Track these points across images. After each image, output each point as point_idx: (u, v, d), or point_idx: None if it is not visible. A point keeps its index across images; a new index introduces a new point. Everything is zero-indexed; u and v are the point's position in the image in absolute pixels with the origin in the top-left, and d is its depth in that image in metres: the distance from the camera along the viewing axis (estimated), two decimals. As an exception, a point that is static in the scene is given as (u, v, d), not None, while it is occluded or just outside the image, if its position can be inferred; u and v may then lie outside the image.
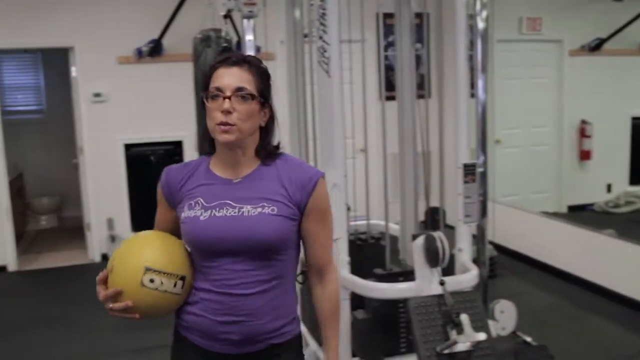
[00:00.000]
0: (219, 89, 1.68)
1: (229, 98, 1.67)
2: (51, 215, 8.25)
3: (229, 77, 1.69)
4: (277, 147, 1.84)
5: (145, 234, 1.83)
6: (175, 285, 1.71)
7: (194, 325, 1.76)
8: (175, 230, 1.83)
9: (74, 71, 6.15)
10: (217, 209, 1.72)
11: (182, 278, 1.73)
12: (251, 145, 1.77)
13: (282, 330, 1.81)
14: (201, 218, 1.71)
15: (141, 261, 1.70)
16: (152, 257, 1.71)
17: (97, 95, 6.12)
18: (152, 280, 1.68)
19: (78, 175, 6.47)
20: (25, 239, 7.44)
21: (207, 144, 1.82)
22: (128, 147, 6.29)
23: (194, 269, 1.78)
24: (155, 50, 6.04)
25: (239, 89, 1.68)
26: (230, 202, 1.72)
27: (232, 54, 1.76)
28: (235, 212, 1.70)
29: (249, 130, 1.72)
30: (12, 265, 6.15)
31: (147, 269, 1.68)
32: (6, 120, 6.54)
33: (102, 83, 6.13)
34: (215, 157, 1.80)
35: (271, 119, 1.80)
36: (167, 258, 1.73)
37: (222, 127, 1.68)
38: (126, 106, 6.17)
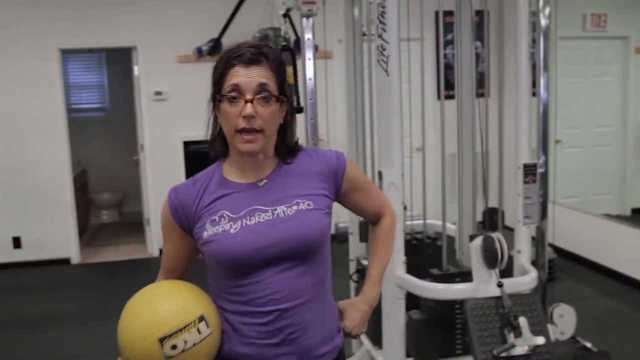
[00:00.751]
0: (237, 89, 1.50)
1: (252, 101, 1.49)
2: (112, 210, 8.50)
3: (249, 77, 1.50)
4: (297, 143, 1.68)
5: (131, 302, 1.53)
6: (200, 332, 1.46)
7: (241, 359, 1.56)
8: (190, 266, 1.67)
9: (136, 70, 6.31)
10: (248, 217, 1.54)
11: (201, 318, 1.48)
12: (271, 146, 1.61)
13: (334, 341, 1.68)
14: (232, 231, 1.52)
15: (149, 336, 1.42)
16: (157, 323, 1.44)
17: (158, 93, 6.26)
18: (174, 347, 1.42)
19: (139, 171, 6.64)
20: (88, 233, 7.68)
21: (219, 147, 1.63)
22: (187, 144, 6.42)
23: (216, 295, 1.60)
24: (214, 49, 6.14)
25: (261, 89, 1.50)
26: (261, 207, 1.55)
27: (245, 46, 1.54)
28: (269, 216, 1.55)
29: (273, 133, 1.57)
30: (75, 257, 6.36)
31: (161, 340, 1.42)
32: (71, 118, 6.77)
33: (163, 82, 6.27)
34: (230, 163, 1.62)
35: (288, 114, 1.63)
36: (171, 311, 1.47)
37: (246, 135, 1.50)
38: (185, 104, 6.30)
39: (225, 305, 1.58)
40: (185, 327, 1.43)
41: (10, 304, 5.20)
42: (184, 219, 1.59)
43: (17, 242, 6.19)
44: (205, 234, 1.54)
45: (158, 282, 1.64)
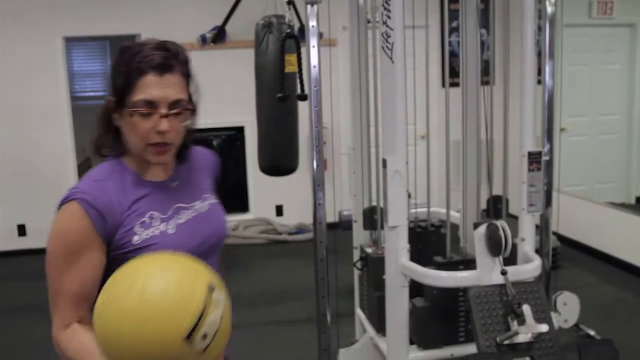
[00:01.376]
0: (151, 104, 1.40)
1: (166, 117, 1.42)
2: (117, 197, 8.50)
3: (163, 89, 1.41)
4: (189, 142, 1.63)
5: (116, 312, 1.10)
6: (217, 301, 1.18)
7: None
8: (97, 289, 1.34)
9: (139, 57, 6.30)
10: (176, 216, 1.50)
11: (211, 287, 1.17)
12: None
13: None
14: (169, 231, 1.46)
15: (172, 341, 1.08)
16: (171, 323, 1.08)
17: (162, 81, 6.25)
18: (205, 336, 1.13)
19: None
20: (93, 221, 7.68)
21: (116, 145, 1.50)
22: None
23: None
24: (218, 36, 6.13)
25: (176, 103, 1.44)
26: (182, 205, 1.53)
27: (152, 47, 1.45)
28: (193, 213, 1.53)
29: (180, 142, 1.52)
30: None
31: (188, 337, 1.10)
32: (75, 106, 6.77)
33: (167, 69, 6.26)
34: (133, 163, 1.51)
35: (194, 117, 1.58)
36: (179, 298, 1.10)
37: (158, 148, 1.44)
38: (189, 92, 6.29)
39: None
40: (203, 308, 1.12)
41: (15, 291, 5.23)
42: (108, 227, 1.40)
43: (22, 230, 6.22)
44: (136, 238, 1.41)
45: (126, 270, 1.19)
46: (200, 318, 1.11)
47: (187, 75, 1.52)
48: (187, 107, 1.48)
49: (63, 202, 1.41)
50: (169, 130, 1.42)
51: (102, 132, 1.49)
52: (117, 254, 1.41)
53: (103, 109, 1.48)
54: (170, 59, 1.45)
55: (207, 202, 1.58)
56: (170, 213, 1.49)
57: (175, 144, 1.48)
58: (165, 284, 1.12)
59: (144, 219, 1.44)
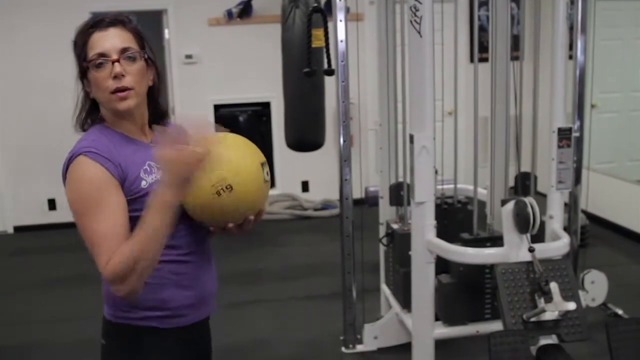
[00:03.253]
0: (102, 55, 1.51)
1: (118, 61, 1.51)
2: (144, 172, 8.59)
3: (110, 40, 1.52)
4: (167, 111, 1.73)
5: (227, 139, 1.60)
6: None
7: (186, 302, 1.64)
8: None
9: (166, 33, 6.32)
10: None
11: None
12: (145, 111, 1.63)
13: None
14: None
15: (255, 160, 1.56)
16: (256, 151, 1.59)
17: (189, 57, 6.27)
18: (268, 173, 1.59)
19: (170, 134, 6.69)
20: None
21: (93, 115, 1.61)
22: (217, 108, 6.44)
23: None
24: (244, 11, 6.10)
25: (125, 49, 1.53)
26: None
27: (99, 16, 1.56)
28: None
29: (144, 92, 1.59)
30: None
31: (262, 164, 1.57)
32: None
33: (194, 45, 6.27)
34: (113, 126, 1.60)
35: (156, 78, 1.65)
36: (255, 147, 1.60)
37: (120, 94, 1.52)
38: (216, 67, 6.30)
39: (163, 252, 1.50)
40: (265, 161, 1.59)
41: (46, 264, 5.34)
42: (118, 171, 1.50)
43: (52, 204, 6.32)
44: (143, 182, 1.53)
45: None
46: (265, 163, 1.58)
47: (136, 34, 1.58)
48: (137, 51, 1.54)
49: (70, 161, 1.50)
50: (122, 72, 1.50)
51: (81, 107, 1.60)
52: (129, 197, 1.51)
53: (79, 88, 1.59)
54: (115, 20, 1.56)
55: None
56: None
57: (137, 90, 1.54)
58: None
59: (145, 167, 1.55)
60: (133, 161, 1.53)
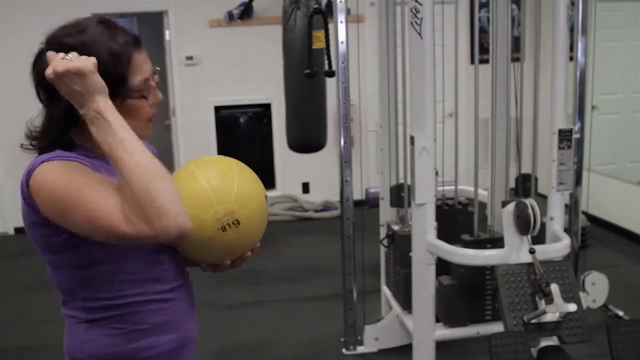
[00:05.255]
0: (148, 81, 1.31)
1: (157, 84, 1.35)
2: (145, 174, 8.58)
3: (149, 61, 1.33)
4: None
5: (230, 163, 1.39)
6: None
7: (166, 349, 1.38)
8: None
9: (167, 34, 6.32)
10: None
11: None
12: None
13: None
14: None
15: (261, 192, 1.39)
16: (260, 185, 1.41)
17: (189, 58, 6.27)
18: (268, 205, 1.46)
19: (170, 135, 6.69)
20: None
21: (53, 140, 1.28)
22: (218, 109, 6.44)
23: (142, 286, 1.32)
24: (245, 13, 6.11)
25: (156, 72, 1.35)
26: None
27: (118, 28, 1.29)
28: None
29: None
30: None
31: (265, 197, 1.42)
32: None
33: (194, 46, 6.27)
34: (85, 147, 1.30)
35: None
36: (260, 184, 1.42)
37: (150, 123, 1.34)
38: (217, 69, 6.30)
39: (143, 289, 1.32)
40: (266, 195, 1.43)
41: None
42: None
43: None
44: None
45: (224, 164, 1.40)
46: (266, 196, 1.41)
47: None
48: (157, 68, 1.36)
49: (28, 177, 1.21)
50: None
51: (55, 125, 1.26)
52: None
53: (63, 106, 1.22)
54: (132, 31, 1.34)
55: None
56: None
57: None
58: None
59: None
60: (106, 172, 1.26)
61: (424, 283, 2.76)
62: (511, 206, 2.53)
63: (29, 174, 1.21)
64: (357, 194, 3.85)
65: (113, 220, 1.14)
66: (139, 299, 1.29)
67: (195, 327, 1.49)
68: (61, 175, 1.19)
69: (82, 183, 1.18)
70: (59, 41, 1.24)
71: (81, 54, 1.19)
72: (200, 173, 1.32)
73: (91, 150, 1.29)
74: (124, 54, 1.25)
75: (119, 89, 1.24)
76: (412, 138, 2.70)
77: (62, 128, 1.26)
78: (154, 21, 6.70)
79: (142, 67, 1.28)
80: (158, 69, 1.35)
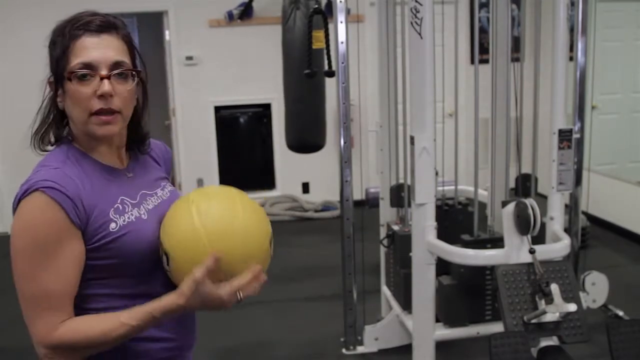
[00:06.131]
0: (89, 66, 1.25)
1: (108, 78, 1.26)
2: (145, 174, 8.58)
3: (101, 49, 1.26)
4: (147, 134, 1.46)
5: (235, 203, 1.32)
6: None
7: (158, 356, 1.38)
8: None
9: (167, 35, 6.32)
10: (145, 202, 1.36)
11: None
12: (125, 133, 1.38)
13: None
14: (143, 217, 1.32)
15: (266, 235, 1.34)
16: (265, 224, 1.36)
17: (189, 58, 6.27)
18: (271, 247, 1.39)
19: (170, 136, 6.69)
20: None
21: (57, 132, 1.33)
22: (218, 109, 6.44)
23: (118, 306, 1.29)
24: (245, 13, 6.11)
25: (117, 64, 1.27)
26: (146, 191, 1.39)
27: (88, 14, 1.30)
28: (158, 200, 1.40)
29: (129, 116, 1.34)
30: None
31: (269, 243, 1.36)
32: (104, 82, 6.81)
33: (194, 46, 6.27)
34: (83, 146, 1.33)
35: (142, 95, 1.40)
36: (267, 224, 1.37)
37: (103, 116, 1.26)
38: (217, 69, 6.30)
39: (134, 302, 1.29)
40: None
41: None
42: (80, 215, 1.23)
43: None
44: (113, 225, 1.26)
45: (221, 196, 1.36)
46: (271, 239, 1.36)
47: (129, 44, 1.34)
48: (130, 69, 1.30)
49: (23, 196, 1.22)
50: (111, 92, 1.25)
51: (44, 119, 1.33)
52: (93, 244, 1.25)
53: (45, 94, 1.34)
54: (109, 24, 1.31)
55: (167, 189, 1.46)
56: (139, 198, 1.35)
57: (124, 114, 1.31)
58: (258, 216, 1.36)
59: (117, 205, 1.29)
60: (104, 197, 1.28)
61: (424, 283, 2.76)
62: (511, 206, 2.53)
63: (23, 194, 1.23)
64: (357, 194, 3.85)
65: (41, 319, 1.24)
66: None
67: (193, 336, 1.48)
68: (41, 227, 1.21)
69: (47, 255, 1.21)
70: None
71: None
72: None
73: (94, 160, 1.33)
74: (68, 36, 1.27)
75: (60, 71, 1.27)
76: (412, 138, 2.70)
77: (54, 118, 1.32)
78: (154, 21, 6.70)
79: (83, 50, 1.26)
80: (122, 65, 1.29)
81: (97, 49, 1.26)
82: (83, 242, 1.24)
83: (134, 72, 1.31)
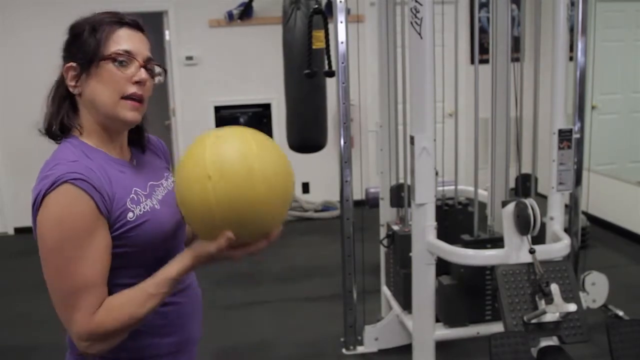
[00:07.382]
0: (130, 53, 1.32)
1: (145, 67, 1.34)
2: (145, 174, 8.58)
3: (140, 42, 1.36)
4: (144, 128, 1.50)
5: (261, 139, 1.30)
6: None
7: (163, 351, 1.42)
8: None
9: (167, 35, 6.32)
10: (154, 192, 1.40)
11: None
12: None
13: None
14: (157, 207, 1.37)
15: (291, 173, 1.31)
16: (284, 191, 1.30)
17: (189, 58, 6.27)
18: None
19: (170, 136, 6.69)
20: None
21: (70, 121, 1.36)
22: (218, 109, 6.44)
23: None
24: (245, 13, 6.11)
25: (150, 60, 1.36)
26: (154, 182, 1.43)
27: (118, 13, 1.37)
28: (165, 190, 1.45)
29: (145, 111, 1.41)
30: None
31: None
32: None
33: (194, 46, 6.27)
34: (93, 140, 1.36)
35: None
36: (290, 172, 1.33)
37: (134, 102, 1.32)
38: (217, 69, 6.30)
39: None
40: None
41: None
42: (107, 204, 1.27)
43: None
44: (130, 214, 1.30)
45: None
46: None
47: (150, 47, 1.40)
48: (160, 65, 1.40)
49: (50, 190, 1.22)
50: (147, 80, 1.33)
51: (56, 109, 1.36)
52: (112, 233, 1.28)
53: (57, 82, 1.38)
54: (138, 22, 1.39)
55: (170, 179, 1.50)
56: (149, 189, 1.39)
57: (145, 105, 1.37)
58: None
59: (132, 195, 1.32)
60: (121, 188, 1.31)
61: (424, 283, 2.76)
62: (511, 206, 2.53)
63: (51, 187, 1.22)
64: (357, 194, 3.85)
65: (80, 309, 1.24)
66: None
67: (199, 328, 1.51)
68: (75, 219, 1.22)
69: (80, 245, 1.23)
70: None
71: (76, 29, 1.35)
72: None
73: (103, 152, 1.35)
74: (108, 27, 1.32)
75: (93, 58, 1.30)
76: (412, 138, 2.70)
77: (56, 111, 1.36)
78: (154, 21, 6.71)
79: (124, 39, 1.33)
80: (154, 61, 1.38)
81: (136, 42, 1.34)
82: (108, 233, 1.27)
83: (160, 70, 1.40)
